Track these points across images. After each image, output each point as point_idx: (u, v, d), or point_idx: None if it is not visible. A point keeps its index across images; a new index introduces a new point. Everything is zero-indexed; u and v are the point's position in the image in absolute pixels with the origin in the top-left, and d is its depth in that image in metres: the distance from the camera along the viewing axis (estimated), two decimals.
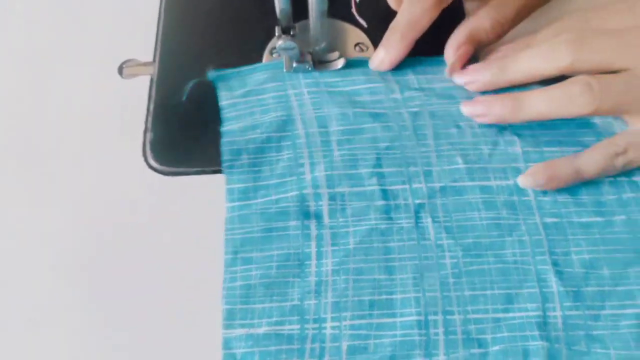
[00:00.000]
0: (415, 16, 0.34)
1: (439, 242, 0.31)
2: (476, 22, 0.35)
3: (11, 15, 0.41)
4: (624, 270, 0.30)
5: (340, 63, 0.37)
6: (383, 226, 0.32)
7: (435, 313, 0.29)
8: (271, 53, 0.38)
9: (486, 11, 0.35)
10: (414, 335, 0.29)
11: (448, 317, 0.29)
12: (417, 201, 0.32)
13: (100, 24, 0.40)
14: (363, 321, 0.29)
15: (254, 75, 0.37)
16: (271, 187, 0.33)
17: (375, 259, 0.31)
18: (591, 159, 0.31)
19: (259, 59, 0.38)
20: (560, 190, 0.32)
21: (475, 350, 0.29)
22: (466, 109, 0.34)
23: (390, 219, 0.32)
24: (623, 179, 0.33)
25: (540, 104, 0.32)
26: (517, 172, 0.33)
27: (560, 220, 0.32)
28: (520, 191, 0.33)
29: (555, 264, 0.30)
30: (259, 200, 0.33)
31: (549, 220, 0.32)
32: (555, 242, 0.31)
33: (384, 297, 0.30)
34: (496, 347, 0.29)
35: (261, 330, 0.29)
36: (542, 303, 0.29)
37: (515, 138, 0.34)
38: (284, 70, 0.37)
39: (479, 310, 0.30)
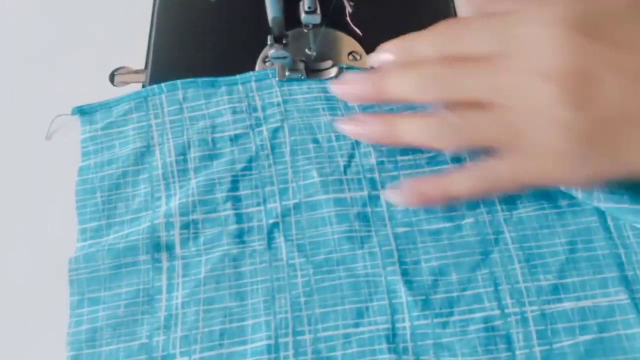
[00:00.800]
0: None
1: (291, 261, 0.31)
2: None
3: (2, 21, 0.41)
4: (472, 273, 0.30)
5: (333, 72, 0.36)
6: (235, 251, 0.31)
7: (286, 335, 0.29)
8: (264, 61, 0.38)
9: None
10: None
11: (298, 337, 0.29)
12: (271, 221, 0.32)
13: (92, 31, 0.41)
14: (213, 352, 0.29)
15: (119, 107, 0.36)
16: (125, 223, 0.32)
17: (226, 286, 0.30)
18: (461, 182, 0.30)
19: (251, 67, 0.37)
20: None
21: None
22: (343, 127, 0.33)
23: (243, 242, 0.31)
24: None
25: (413, 134, 0.30)
26: (373, 182, 0.33)
27: (411, 229, 0.31)
28: (374, 202, 0.32)
29: (404, 273, 0.30)
30: (110, 237, 0.32)
31: (399, 230, 0.31)
32: (406, 252, 0.31)
33: (235, 324, 0.29)
34: None
35: None
36: (391, 315, 0.29)
37: (371, 149, 0.33)
38: (277, 79, 0.36)
39: (330, 327, 0.29)
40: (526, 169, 0.28)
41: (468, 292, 0.30)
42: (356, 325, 0.29)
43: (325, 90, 0.36)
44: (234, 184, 0.33)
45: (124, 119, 0.35)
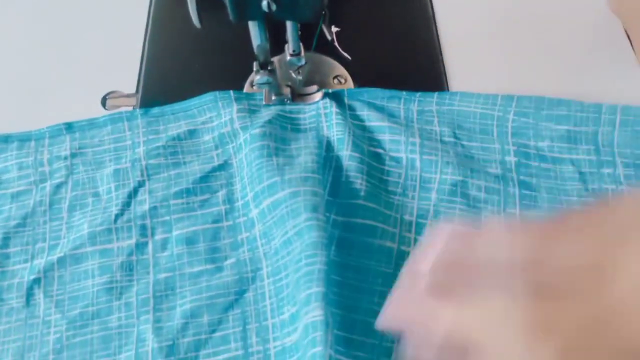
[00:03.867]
0: None
1: (47, 317, 0.31)
2: None
3: None
4: (224, 314, 0.31)
5: (318, 96, 0.37)
6: None
7: None
8: (252, 86, 0.39)
9: None
10: None
11: None
12: (32, 277, 0.32)
13: (85, 56, 0.42)
14: None
15: None
16: None
17: None
18: None
19: (239, 90, 0.39)
20: (179, 241, 0.33)
21: None
22: None
23: (1, 300, 0.32)
24: (241, 219, 0.33)
25: None
26: (144, 229, 0.33)
27: (173, 274, 0.32)
28: (141, 249, 0.33)
29: (157, 320, 0.31)
30: None
31: (161, 276, 0.32)
32: (162, 298, 0.31)
33: None
34: None
35: None
36: None
37: (147, 196, 0.34)
38: (263, 103, 0.37)
39: None
40: None
41: (217, 334, 0.30)
42: None
43: (116, 141, 0.36)
44: (5, 241, 0.33)
45: None
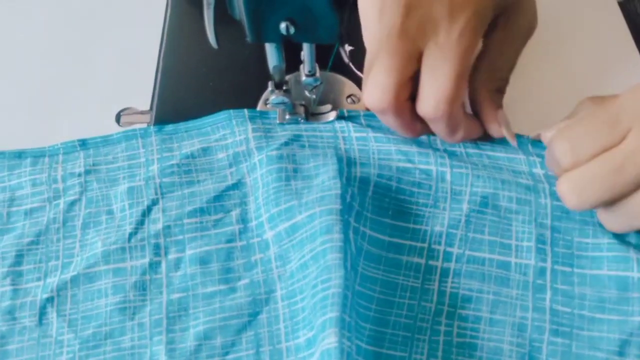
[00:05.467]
0: None
1: (59, 337, 0.31)
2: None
3: (10, 61, 0.43)
4: (237, 336, 0.31)
5: (332, 115, 0.38)
6: (4, 328, 0.31)
7: None
8: (265, 103, 0.39)
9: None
10: None
11: None
12: (45, 296, 0.32)
13: (99, 72, 0.42)
14: None
15: None
16: None
17: None
18: None
19: (253, 108, 0.39)
20: (193, 261, 0.32)
21: None
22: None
23: (14, 319, 0.32)
24: (255, 239, 0.33)
25: None
26: (157, 248, 0.33)
27: (186, 294, 0.32)
28: (154, 269, 0.32)
29: (170, 342, 0.31)
30: None
31: (175, 296, 0.32)
32: (175, 319, 0.31)
33: None
34: None
35: None
36: None
37: (160, 215, 0.34)
38: (277, 122, 0.37)
39: None
40: None
41: (230, 356, 0.30)
42: None
43: (130, 158, 0.36)
44: (18, 259, 0.33)
45: None
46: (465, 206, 0.33)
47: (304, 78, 0.35)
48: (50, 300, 0.32)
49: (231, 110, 0.37)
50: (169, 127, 0.38)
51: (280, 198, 0.33)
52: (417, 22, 0.29)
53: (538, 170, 0.35)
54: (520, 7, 0.34)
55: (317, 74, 0.35)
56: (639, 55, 0.42)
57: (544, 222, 0.33)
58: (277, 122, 0.37)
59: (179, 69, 0.41)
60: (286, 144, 0.36)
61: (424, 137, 0.36)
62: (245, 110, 0.37)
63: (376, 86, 0.30)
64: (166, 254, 0.33)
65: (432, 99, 0.30)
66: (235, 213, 0.34)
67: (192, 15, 0.43)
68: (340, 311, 0.28)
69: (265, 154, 0.35)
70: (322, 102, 0.39)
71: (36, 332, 0.31)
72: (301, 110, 0.37)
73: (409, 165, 0.35)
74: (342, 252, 0.30)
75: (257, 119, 0.37)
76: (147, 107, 0.39)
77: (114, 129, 0.38)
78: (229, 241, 0.33)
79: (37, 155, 0.37)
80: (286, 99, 0.35)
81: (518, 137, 0.35)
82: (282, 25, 0.29)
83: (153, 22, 0.43)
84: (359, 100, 0.39)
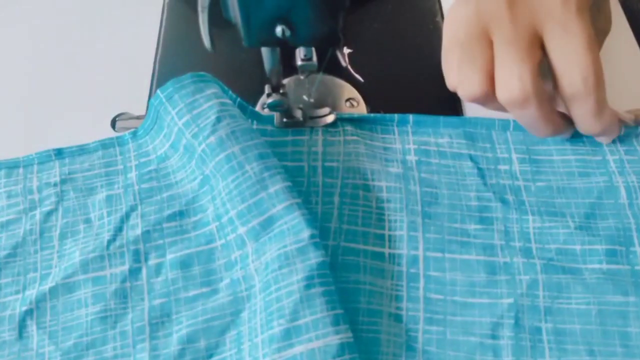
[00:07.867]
0: None
1: (40, 350, 0.31)
2: None
3: (5, 67, 0.43)
4: (221, 337, 0.30)
5: (331, 118, 0.37)
6: None
7: None
8: (262, 107, 0.39)
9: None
10: None
11: None
12: (24, 308, 0.31)
13: (95, 77, 0.42)
14: None
15: None
16: None
17: None
18: None
19: None
20: (174, 265, 0.32)
21: None
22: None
23: None
24: (231, 235, 0.32)
25: None
26: (137, 254, 0.32)
27: (168, 299, 0.31)
28: (134, 275, 0.32)
29: (153, 348, 0.30)
30: None
31: (157, 302, 0.31)
32: (158, 325, 0.31)
33: None
34: None
35: None
36: None
37: (139, 220, 0.33)
38: (275, 125, 0.37)
39: None
40: None
41: (214, 358, 0.30)
42: None
43: (107, 165, 0.36)
44: None
45: None
46: (336, 199, 0.33)
47: (300, 63, 0.34)
48: (29, 312, 0.32)
49: None
50: (141, 131, 0.37)
51: (244, 192, 0.31)
52: (525, 6, 0.29)
53: (411, 157, 0.35)
54: (602, 7, 0.33)
55: (314, 59, 0.34)
56: (639, 51, 0.42)
57: (415, 208, 0.33)
58: (275, 125, 0.37)
59: (175, 73, 0.40)
60: (218, 119, 0.33)
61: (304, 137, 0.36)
62: None
63: (512, 76, 0.29)
64: (146, 259, 0.32)
65: (577, 74, 0.29)
66: (210, 211, 0.33)
67: (188, 20, 0.42)
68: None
69: (204, 143, 0.33)
70: (320, 105, 0.38)
71: (17, 346, 0.31)
72: (299, 113, 0.37)
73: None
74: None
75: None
76: (143, 112, 0.39)
77: (109, 134, 0.38)
78: (209, 242, 0.33)
79: (11, 166, 0.36)
80: (282, 102, 0.35)
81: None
82: (278, 29, 0.29)
83: (149, 26, 0.43)
84: (357, 104, 0.39)
